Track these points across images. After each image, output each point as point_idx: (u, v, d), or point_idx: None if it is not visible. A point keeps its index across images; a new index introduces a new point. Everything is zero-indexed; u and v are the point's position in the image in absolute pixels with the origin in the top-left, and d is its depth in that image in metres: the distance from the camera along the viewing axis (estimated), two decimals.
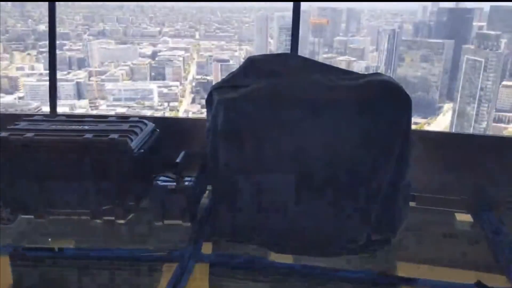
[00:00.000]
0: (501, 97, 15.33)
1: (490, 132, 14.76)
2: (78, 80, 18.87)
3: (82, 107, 18.04)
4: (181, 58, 19.22)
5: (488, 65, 14.94)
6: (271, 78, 2.61)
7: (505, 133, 14.53)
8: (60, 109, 3.87)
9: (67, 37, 19.48)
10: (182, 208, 2.87)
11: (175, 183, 2.87)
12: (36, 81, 17.87)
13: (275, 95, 2.54)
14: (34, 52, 19.13)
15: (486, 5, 16.28)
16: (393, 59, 17.17)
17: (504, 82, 15.37)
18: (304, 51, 16.83)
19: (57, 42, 3.80)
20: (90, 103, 18.71)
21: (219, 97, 2.62)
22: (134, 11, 20.09)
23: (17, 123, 3.02)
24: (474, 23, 16.71)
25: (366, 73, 2.91)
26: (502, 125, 15.20)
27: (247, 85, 2.61)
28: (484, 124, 15.10)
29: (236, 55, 18.57)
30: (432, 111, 16.33)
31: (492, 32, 15.54)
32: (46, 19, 3.68)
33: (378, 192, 2.55)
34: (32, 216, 2.89)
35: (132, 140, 2.82)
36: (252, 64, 2.81)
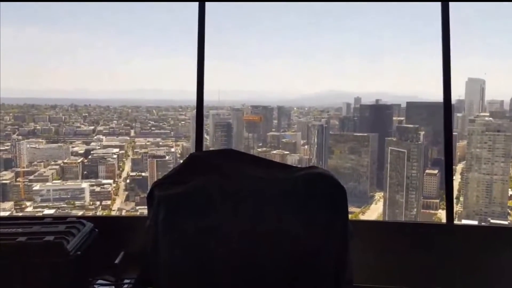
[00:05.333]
0: (426, 184, 16.35)
1: (420, 219, 15.44)
2: (4, 182, 17.88)
3: (6, 210, 16.92)
4: (115, 156, 18.94)
5: (411, 155, 16.07)
6: (213, 174, 2.66)
7: (435, 218, 15.25)
8: None
9: None
10: None
11: (113, 287, 2.74)
12: None
13: (217, 191, 2.58)
14: None
15: (403, 102, 17.85)
16: (323, 152, 17.99)
17: (427, 171, 16.50)
18: (240, 146, 17.30)
19: None
20: (15, 205, 17.61)
21: (160, 193, 2.62)
22: (67, 111, 19.93)
23: None
24: (394, 118, 18.16)
25: (302, 166, 3.06)
26: (431, 211, 16.03)
27: (188, 181, 2.64)
28: (414, 211, 15.84)
29: (173, 151, 18.67)
30: (365, 200, 16.99)
31: (411, 125, 16.94)
32: None
33: (321, 284, 2.56)
34: None
35: (68, 242, 2.70)
36: (194, 160, 2.87)
